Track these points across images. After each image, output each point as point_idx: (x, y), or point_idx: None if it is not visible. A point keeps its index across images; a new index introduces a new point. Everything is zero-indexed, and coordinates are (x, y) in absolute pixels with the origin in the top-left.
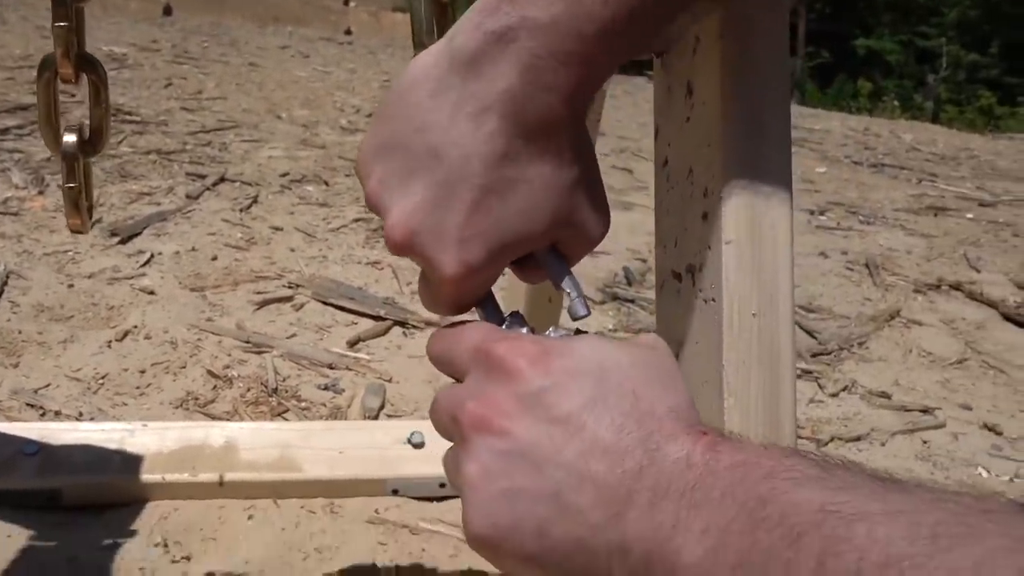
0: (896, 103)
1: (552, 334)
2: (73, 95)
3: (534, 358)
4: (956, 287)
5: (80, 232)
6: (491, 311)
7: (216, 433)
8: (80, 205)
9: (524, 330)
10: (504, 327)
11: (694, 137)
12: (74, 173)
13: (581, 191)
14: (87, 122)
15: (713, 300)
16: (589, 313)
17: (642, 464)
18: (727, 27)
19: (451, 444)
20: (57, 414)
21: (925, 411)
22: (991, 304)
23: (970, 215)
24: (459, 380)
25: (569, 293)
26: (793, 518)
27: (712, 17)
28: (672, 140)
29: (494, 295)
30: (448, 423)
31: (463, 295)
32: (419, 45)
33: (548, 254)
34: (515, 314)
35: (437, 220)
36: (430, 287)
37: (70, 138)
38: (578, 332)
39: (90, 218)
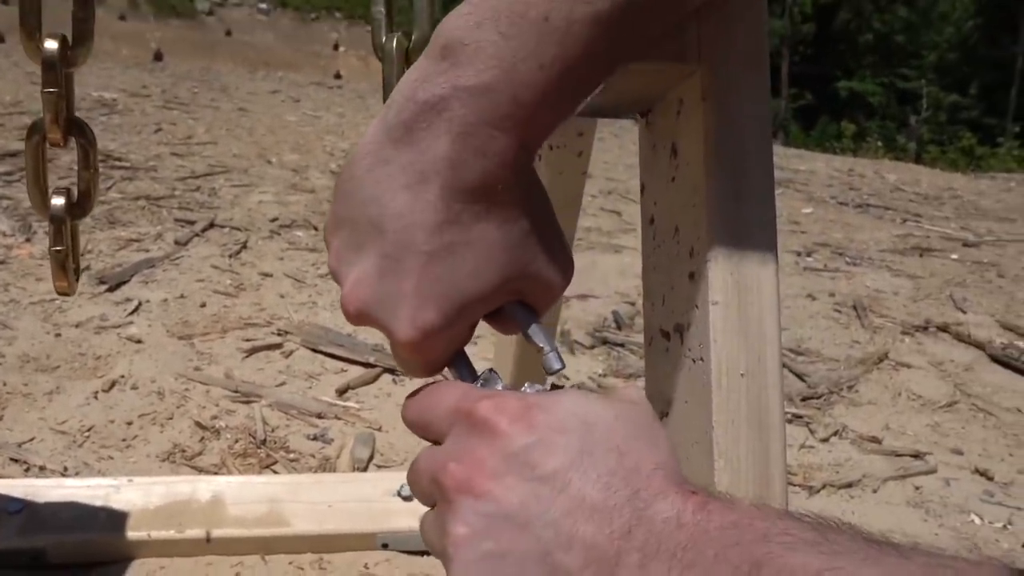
0: (879, 144)
1: (528, 389)
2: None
3: (516, 415)
4: (943, 328)
5: (67, 294)
6: (464, 370)
7: (203, 488)
8: (67, 267)
9: (500, 386)
10: (479, 384)
11: (679, 197)
12: (62, 235)
13: (533, 243)
14: (75, 185)
15: (701, 360)
16: (563, 367)
17: (631, 524)
18: (709, 89)
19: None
20: (42, 469)
21: (916, 456)
22: (978, 345)
23: (955, 255)
24: (437, 443)
25: (541, 347)
26: None
27: (694, 79)
28: (658, 198)
29: (466, 354)
30: (429, 486)
31: (429, 358)
32: None
33: (515, 306)
34: (490, 371)
35: (387, 290)
36: (396, 355)
37: (58, 201)
38: (554, 387)
39: (77, 279)
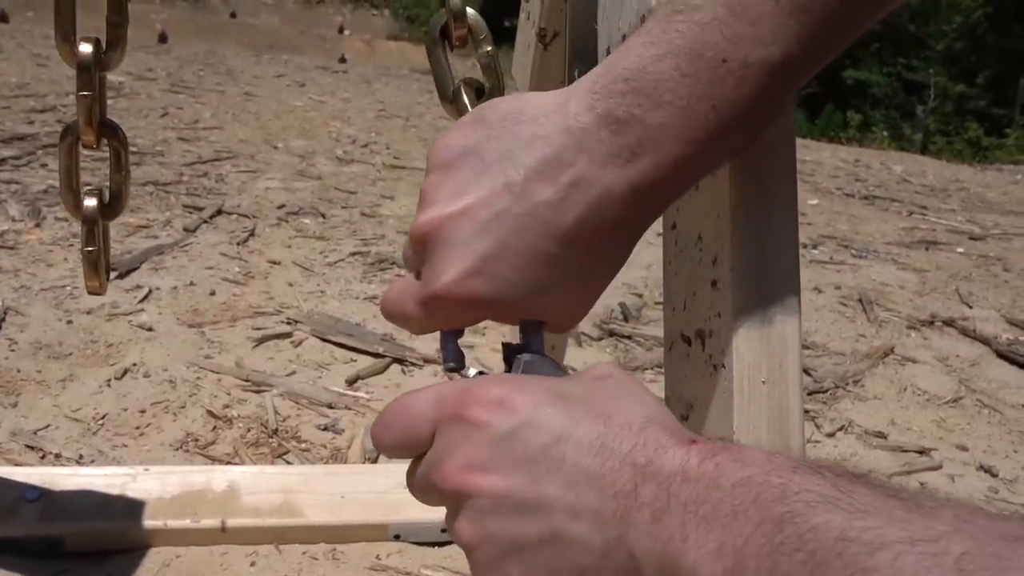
0: (885, 134)
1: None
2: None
3: (495, 402)
4: (949, 323)
5: (98, 294)
6: (450, 345)
7: (218, 477)
8: (99, 267)
9: (473, 372)
10: (450, 367)
11: (703, 204)
12: (94, 236)
13: (588, 289)
14: (107, 185)
15: (723, 367)
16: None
17: (635, 481)
18: None
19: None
20: (57, 456)
21: (921, 452)
22: (984, 341)
23: (960, 249)
24: (423, 455)
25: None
26: (812, 544)
27: None
28: (680, 204)
29: (459, 335)
30: (428, 494)
31: (439, 316)
32: (444, 99)
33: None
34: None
35: (468, 235)
36: (409, 290)
37: (91, 202)
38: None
39: (108, 279)
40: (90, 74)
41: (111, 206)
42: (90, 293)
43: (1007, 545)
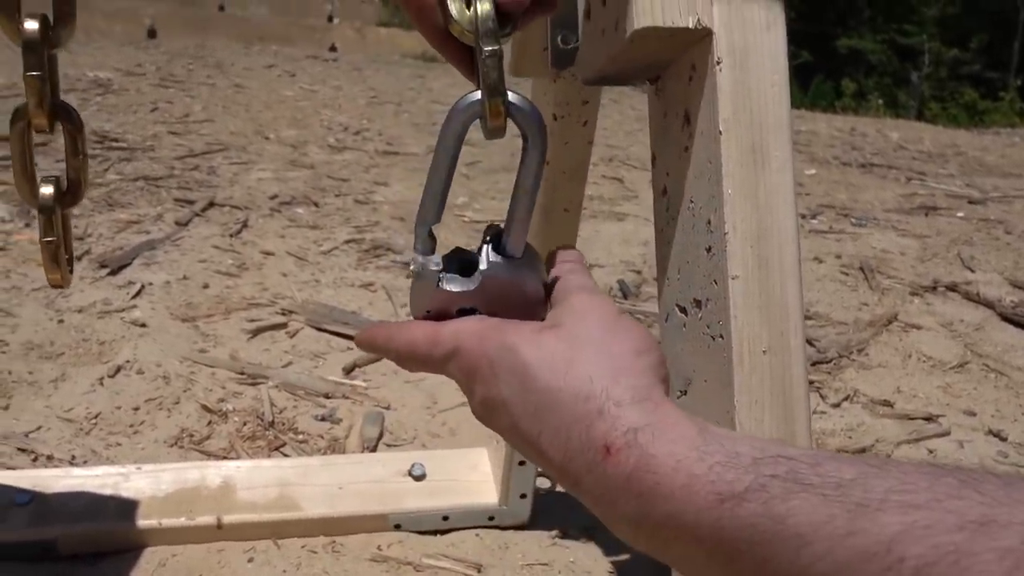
0: (880, 102)
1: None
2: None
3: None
4: (952, 288)
5: (60, 286)
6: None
7: (212, 473)
8: (59, 259)
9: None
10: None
11: (694, 167)
12: (52, 226)
13: None
14: (65, 172)
15: (721, 337)
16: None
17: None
18: (723, 53)
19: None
20: (49, 458)
21: (929, 419)
22: (988, 304)
23: (961, 214)
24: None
25: None
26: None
27: (707, 42)
28: (670, 169)
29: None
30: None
31: None
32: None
33: None
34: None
35: None
36: None
37: (47, 190)
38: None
39: (71, 271)
40: (38, 53)
41: (70, 193)
42: (52, 286)
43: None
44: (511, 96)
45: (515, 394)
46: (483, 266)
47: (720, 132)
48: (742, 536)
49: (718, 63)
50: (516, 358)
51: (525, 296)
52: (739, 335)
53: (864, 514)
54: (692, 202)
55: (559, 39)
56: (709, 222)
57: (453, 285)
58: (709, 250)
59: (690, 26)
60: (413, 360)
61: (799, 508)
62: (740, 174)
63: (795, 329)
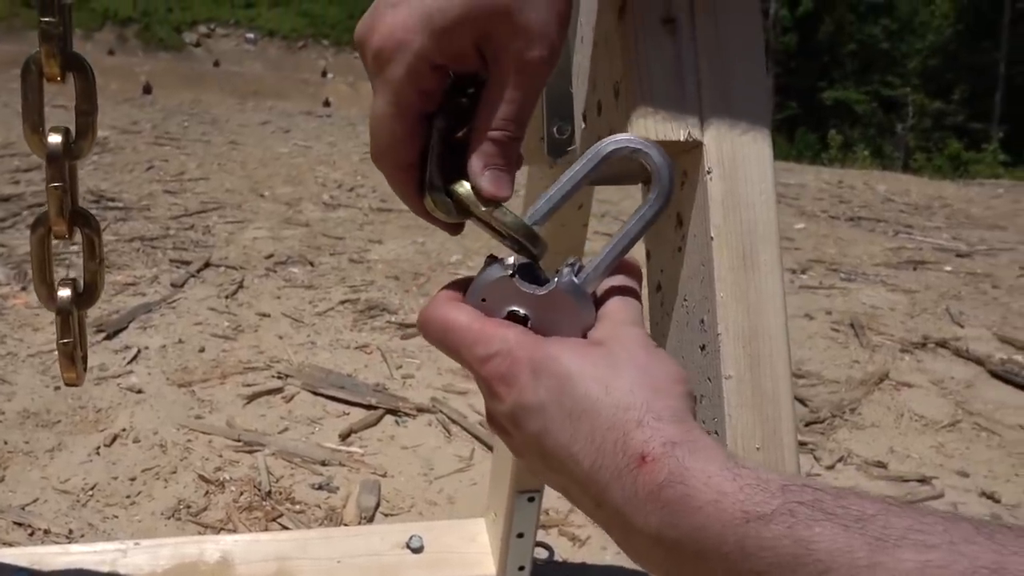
0: (866, 153)
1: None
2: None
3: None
4: (942, 344)
5: (76, 385)
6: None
7: (211, 548)
8: (75, 358)
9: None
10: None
11: (687, 268)
12: (69, 327)
13: None
14: (81, 276)
15: (716, 433)
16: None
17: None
18: (713, 163)
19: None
20: (46, 532)
21: (923, 481)
22: (978, 361)
23: (948, 267)
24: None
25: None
26: None
27: (697, 152)
28: (664, 267)
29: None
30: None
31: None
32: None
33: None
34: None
35: None
36: None
37: (65, 293)
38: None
39: (85, 369)
40: (60, 164)
41: (86, 295)
42: (67, 384)
43: None
44: (649, 146)
45: (553, 399)
46: (560, 279)
47: (712, 238)
48: (764, 556)
49: (708, 172)
50: (559, 366)
51: (577, 327)
52: (733, 432)
53: (883, 549)
54: (686, 300)
55: (555, 130)
56: (703, 321)
57: (524, 284)
58: (703, 348)
59: (681, 139)
60: (450, 343)
61: (822, 535)
62: (731, 278)
63: (787, 427)
